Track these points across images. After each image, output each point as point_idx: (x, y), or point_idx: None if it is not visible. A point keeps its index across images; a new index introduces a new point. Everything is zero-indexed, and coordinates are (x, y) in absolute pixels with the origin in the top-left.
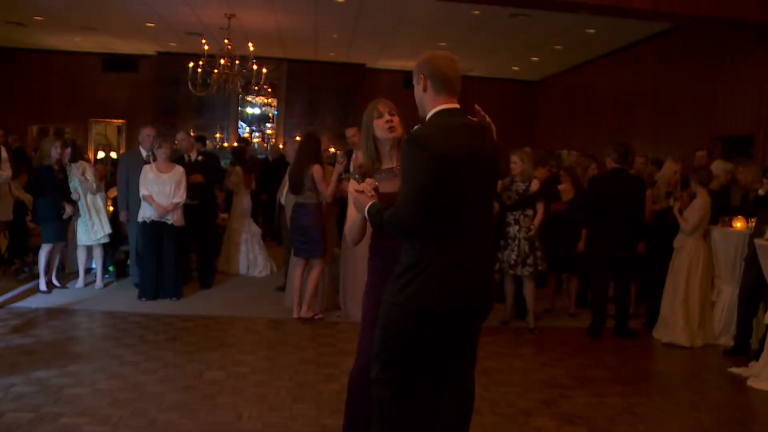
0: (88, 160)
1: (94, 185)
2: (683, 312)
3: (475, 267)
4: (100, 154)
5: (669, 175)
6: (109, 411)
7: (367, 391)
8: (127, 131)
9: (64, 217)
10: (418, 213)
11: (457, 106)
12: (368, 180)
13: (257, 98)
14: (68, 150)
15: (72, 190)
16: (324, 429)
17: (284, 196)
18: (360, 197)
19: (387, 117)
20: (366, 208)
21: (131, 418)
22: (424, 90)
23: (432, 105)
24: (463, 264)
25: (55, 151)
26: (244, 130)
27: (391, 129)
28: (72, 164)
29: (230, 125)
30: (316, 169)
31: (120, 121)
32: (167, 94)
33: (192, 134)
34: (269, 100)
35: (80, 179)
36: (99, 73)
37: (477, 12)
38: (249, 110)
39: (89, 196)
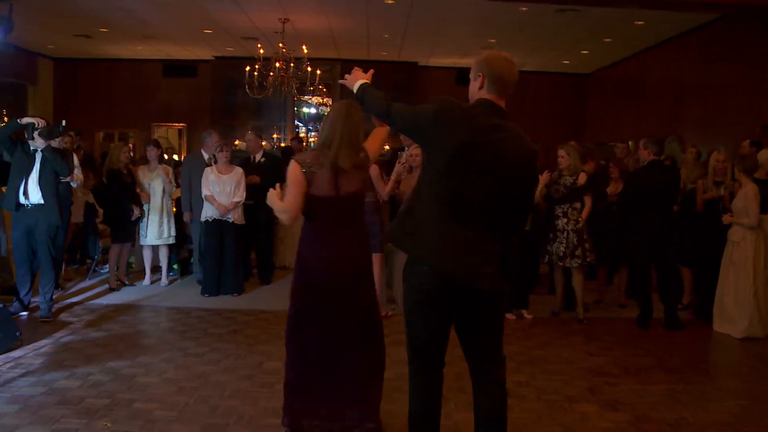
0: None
1: (174, 187)
2: (756, 305)
3: (460, 248)
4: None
5: (713, 164)
6: (176, 398)
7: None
8: (187, 134)
9: (132, 218)
10: (398, 114)
11: (501, 105)
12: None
13: (313, 98)
14: (158, 150)
15: (141, 190)
16: None
17: None
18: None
19: None
20: (359, 82)
21: (196, 404)
22: (480, 87)
23: None
24: (451, 244)
25: (124, 156)
26: (300, 129)
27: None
28: (159, 165)
29: (287, 125)
30: (373, 169)
31: (181, 124)
32: (225, 98)
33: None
34: (324, 100)
35: (165, 180)
36: (160, 79)
37: (524, 8)
38: (305, 110)
39: (158, 198)
